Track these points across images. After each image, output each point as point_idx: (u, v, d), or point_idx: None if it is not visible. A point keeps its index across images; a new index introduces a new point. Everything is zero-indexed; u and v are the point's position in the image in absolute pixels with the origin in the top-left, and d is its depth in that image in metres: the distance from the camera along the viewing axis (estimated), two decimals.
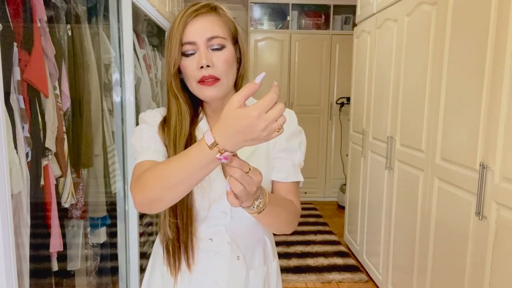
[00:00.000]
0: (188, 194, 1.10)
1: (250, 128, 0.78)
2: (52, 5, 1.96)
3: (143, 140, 1.16)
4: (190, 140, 1.15)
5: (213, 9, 1.12)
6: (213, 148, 0.83)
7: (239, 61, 1.20)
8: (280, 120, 0.79)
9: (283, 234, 1.36)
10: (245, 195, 0.88)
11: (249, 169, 0.86)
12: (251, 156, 1.18)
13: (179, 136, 1.14)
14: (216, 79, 1.10)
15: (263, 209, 0.98)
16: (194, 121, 1.19)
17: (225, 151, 0.82)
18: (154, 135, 1.17)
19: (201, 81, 1.10)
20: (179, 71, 1.14)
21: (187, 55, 1.10)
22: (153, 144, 1.15)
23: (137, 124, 1.37)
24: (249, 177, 0.87)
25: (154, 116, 1.21)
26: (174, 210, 1.15)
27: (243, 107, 0.79)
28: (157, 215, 1.38)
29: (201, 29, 1.09)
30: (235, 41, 1.17)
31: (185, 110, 1.16)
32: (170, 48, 1.11)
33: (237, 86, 1.24)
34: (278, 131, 0.80)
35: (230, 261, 1.19)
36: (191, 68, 1.10)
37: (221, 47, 1.10)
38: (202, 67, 1.08)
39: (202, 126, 1.21)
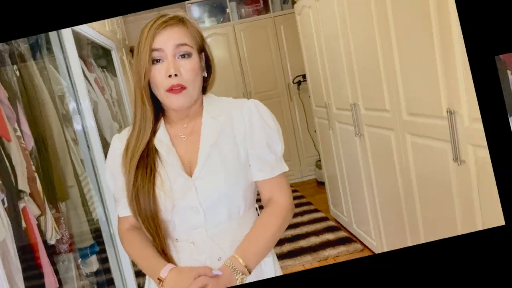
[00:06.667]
0: (149, 201, 1.16)
1: None
2: None
3: (114, 190, 1.30)
4: (147, 150, 1.20)
5: (181, 20, 1.18)
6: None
7: (206, 69, 1.25)
8: None
9: None
10: None
11: None
12: (212, 160, 1.19)
13: (139, 144, 1.20)
14: (183, 88, 1.14)
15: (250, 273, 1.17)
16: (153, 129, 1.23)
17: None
18: (118, 184, 1.25)
19: (169, 90, 1.14)
20: None
21: (154, 62, 1.14)
22: (123, 197, 1.23)
23: (105, 149, 1.41)
24: None
25: (115, 154, 1.27)
26: (141, 217, 1.18)
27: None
28: None
29: (170, 38, 1.14)
30: (201, 50, 1.23)
31: (150, 116, 1.20)
32: (139, 57, 1.15)
33: (205, 91, 1.29)
34: None
35: (211, 263, 1.18)
36: (160, 77, 1.14)
37: (188, 55, 1.16)
38: (170, 75, 1.13)
39: (161, 136, 1.22)
